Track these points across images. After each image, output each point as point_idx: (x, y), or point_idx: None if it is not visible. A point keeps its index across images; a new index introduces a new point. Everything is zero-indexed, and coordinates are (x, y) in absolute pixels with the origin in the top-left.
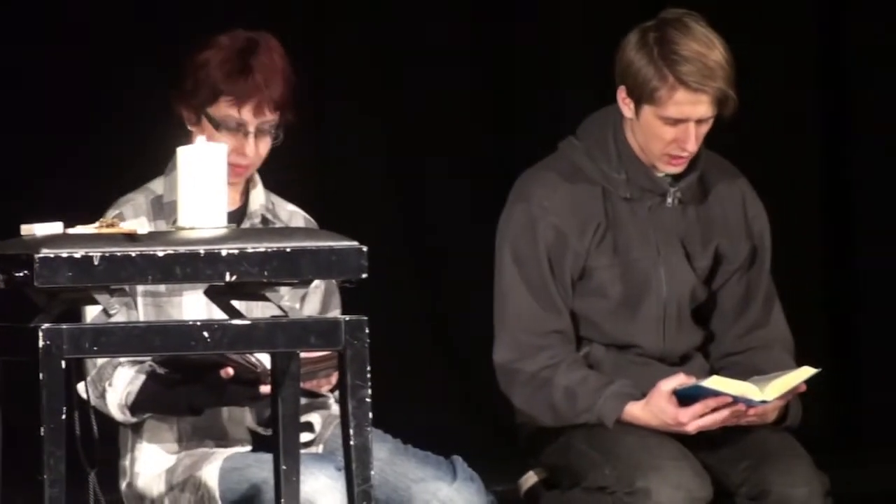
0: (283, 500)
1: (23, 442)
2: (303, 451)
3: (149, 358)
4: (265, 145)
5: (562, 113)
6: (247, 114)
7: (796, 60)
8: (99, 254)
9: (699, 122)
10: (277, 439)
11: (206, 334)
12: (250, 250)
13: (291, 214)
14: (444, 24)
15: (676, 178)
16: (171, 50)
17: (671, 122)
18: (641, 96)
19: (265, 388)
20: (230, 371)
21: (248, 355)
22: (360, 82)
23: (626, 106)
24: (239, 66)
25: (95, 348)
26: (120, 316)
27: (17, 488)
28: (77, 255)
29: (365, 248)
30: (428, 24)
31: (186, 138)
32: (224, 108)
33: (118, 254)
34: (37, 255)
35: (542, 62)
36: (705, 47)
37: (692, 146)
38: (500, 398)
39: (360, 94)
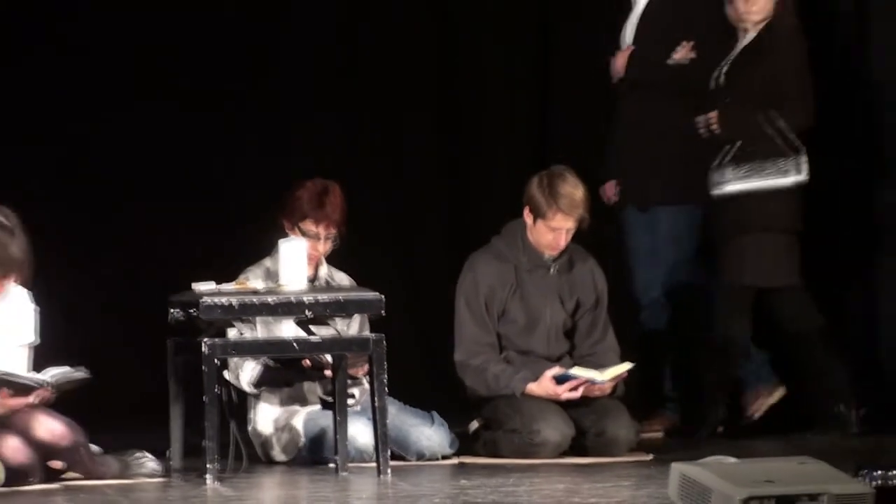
0: (338, 437)
1: (196, 406)
2: (349, 409)
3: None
4: (329, 245)
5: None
6: (321, 230)
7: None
8: (236, 300)
9: (567, 230)
10: (335, 403)
11: (296, 345)
12: (320, 299)
13: (342, 278)
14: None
15: (555, 258)
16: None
17: (552, 230)
18: (537, 215)
19: (328, 373)
20: (308, 363)
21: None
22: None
23: (528, 218)
24: (318, 203)
25: (234, 352)
26: (247, 334)
27: (193, 433)
28: (224, 302)
29: (383, 297)
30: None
31: (283, 235)
32: (308, 225)
33: (247, 301)
34: (201, 301)
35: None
36: (574, 189)
37: (563, 244)
38: (458, 380)
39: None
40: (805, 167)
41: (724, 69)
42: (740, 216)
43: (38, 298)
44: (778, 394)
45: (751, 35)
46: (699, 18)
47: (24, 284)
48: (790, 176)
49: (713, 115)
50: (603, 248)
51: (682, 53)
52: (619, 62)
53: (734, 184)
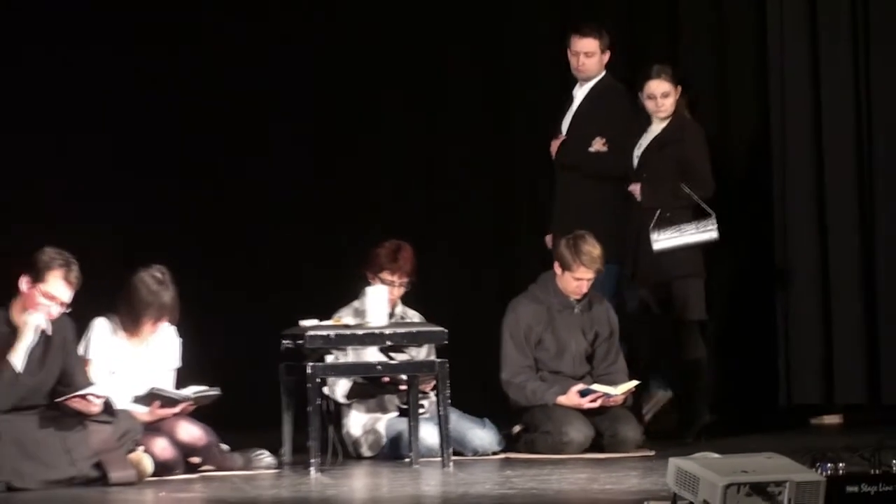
0: (411, 438)
1: (301, 414)
2: (420, 416)
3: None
4: (402, 290)
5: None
6: (395, 278)
7: None
8: (333, 333)
9: (588, 279)
10: (409, 411)
11: (379, 367)
12: (398, 331)
13: (413, 315)
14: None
15: (579, 300)
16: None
17: (576, 279)
18: (564, 268)
19: (403, 387)
20: (386, 378)
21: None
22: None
23: (558, 269)
24: (393, 258)
25: (331, 373)
26: (341, 358)
27: (300, 436)
28: (323, 334)
29: (447, 331)
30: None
31: (366, 283)
32: (386, 276)
33: (341, 333)
34: (307, 333)
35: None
36: (593, 248)
37: (585, 290)
38: (503, 394)
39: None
40: (715, 228)
41: (639, 152)
42: (674, 265)
43: (183, 332)
44: (666, 399)
45: (660, 126)
46: (617, 118)
47: (172, 322)
48: (705, 234)
49: (635, 187)
50: None
51: (597, 146)
52: (554, 147)
53: (662, 242)
